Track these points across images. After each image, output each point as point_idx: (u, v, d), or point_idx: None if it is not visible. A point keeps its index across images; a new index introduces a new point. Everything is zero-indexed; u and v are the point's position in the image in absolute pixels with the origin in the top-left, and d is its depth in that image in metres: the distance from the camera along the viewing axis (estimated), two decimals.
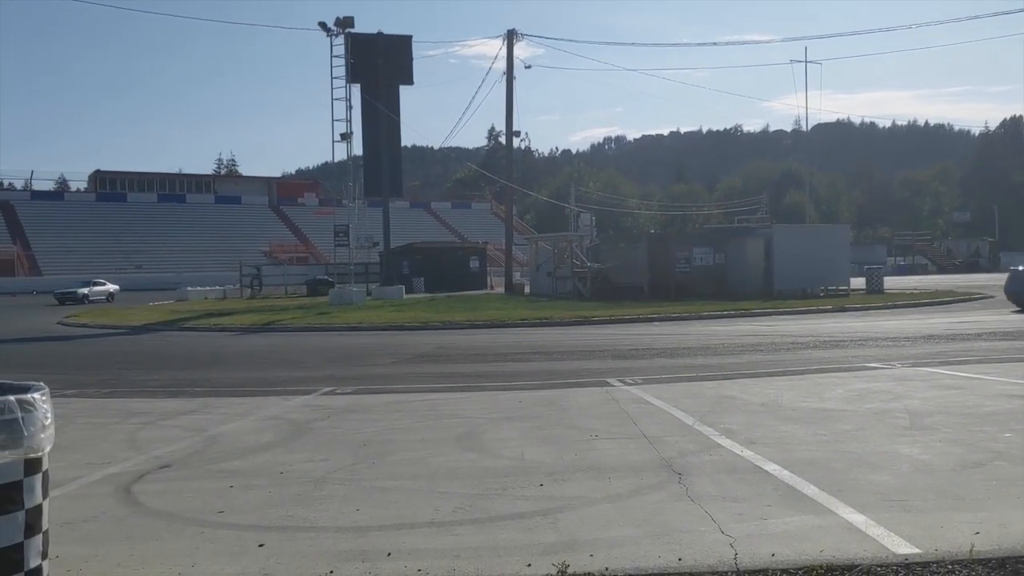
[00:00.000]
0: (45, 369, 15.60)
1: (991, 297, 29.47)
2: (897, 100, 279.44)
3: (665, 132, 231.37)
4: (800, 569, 4.03)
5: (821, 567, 4.03)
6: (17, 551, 2.69)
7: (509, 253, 46.22)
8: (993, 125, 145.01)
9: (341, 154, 42.43)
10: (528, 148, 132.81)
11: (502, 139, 58.11)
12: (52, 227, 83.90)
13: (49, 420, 2.85)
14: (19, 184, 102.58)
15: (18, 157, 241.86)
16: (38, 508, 2.80)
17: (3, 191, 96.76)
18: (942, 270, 78.67)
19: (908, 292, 33.84)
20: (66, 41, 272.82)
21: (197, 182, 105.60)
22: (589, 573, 4.04)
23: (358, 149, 41.86)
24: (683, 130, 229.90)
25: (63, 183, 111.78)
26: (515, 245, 49.04)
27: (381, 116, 41.24)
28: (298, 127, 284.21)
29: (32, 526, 2.76)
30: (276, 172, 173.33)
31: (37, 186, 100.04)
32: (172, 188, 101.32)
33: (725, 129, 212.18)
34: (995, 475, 5.65)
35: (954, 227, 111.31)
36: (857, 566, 4.05)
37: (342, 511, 5.23)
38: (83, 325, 28.79)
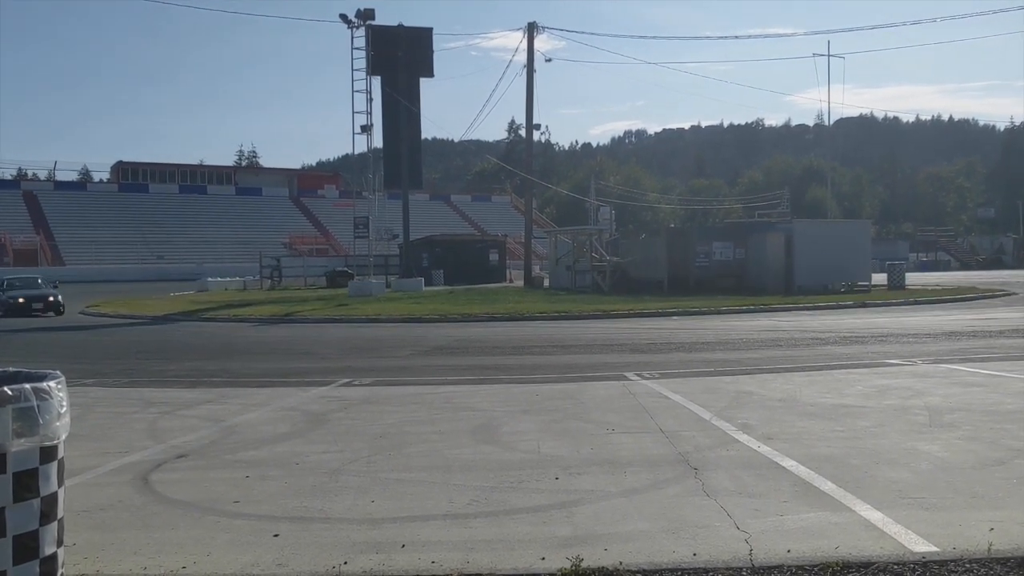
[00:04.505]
0: (65, 358, 15.74)
1: (1014, 294, 29.19)
2: (921, 95, 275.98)
3: (686, 126, 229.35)
4: (816, 566, 3.99)
5: (837, 564, 4.00)
6: (32, 538, 2.71)
7: (528, 246, 46.17)
8: (1019, 120, 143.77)
9: (361, 146, 42.48)
10: (548, 141, 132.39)
11: (522, 132, 58.14)
12: (75, 217, 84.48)
13: (65, 408, 2.86)
14: (43, 175, 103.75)
15: (41, 148, 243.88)
16: (53, 496, 2.82)
17: (27, 181, 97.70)
18: (965, 266, 77.88)
19: (930, 288, 33.51)
20: (88, 33, 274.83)
21: (218, 173, 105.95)
22: (603, 567, 4.02)
23: (378, 141, 41.89)
24: (704, 124, 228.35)
25: (86, 174, 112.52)
26: (535, 238, 48.95)
27: (401, 108, 41.27)
28: (319, 119, 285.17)
29: (47, 514, 2.77)
30: (296, 164, 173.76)
31: (60, 177, 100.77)
32: (193, 179, 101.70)
33: (747, 123, 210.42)
34: (1015, 473, 5.58)
35: (978, 223, 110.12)
36: (874, 564, 4.01)
37: (357, 502, 5.24)
38: (104, 315, 29.08)
